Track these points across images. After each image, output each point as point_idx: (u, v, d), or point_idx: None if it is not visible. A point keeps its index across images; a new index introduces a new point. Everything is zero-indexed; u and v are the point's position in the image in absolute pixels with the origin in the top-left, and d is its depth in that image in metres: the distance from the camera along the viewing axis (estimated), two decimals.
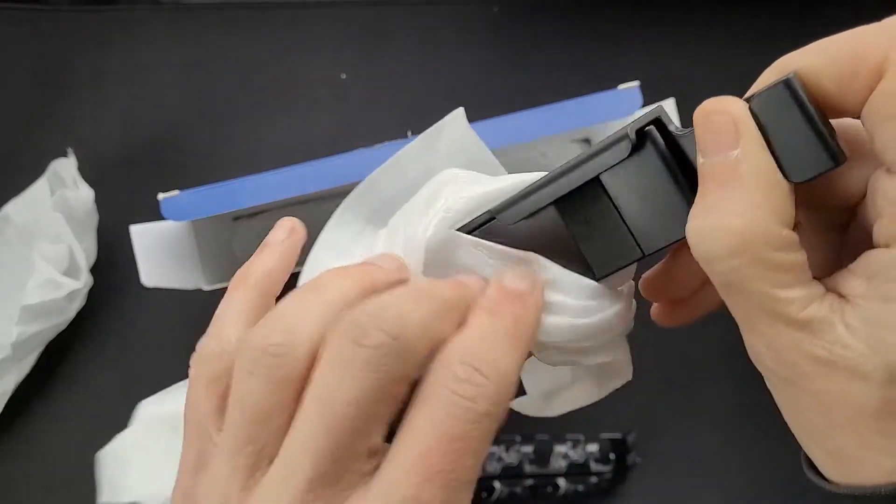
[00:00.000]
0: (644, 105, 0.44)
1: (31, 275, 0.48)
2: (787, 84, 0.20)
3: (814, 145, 0.20)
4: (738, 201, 0.19)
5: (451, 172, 0.26)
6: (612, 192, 0.23)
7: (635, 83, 0.43)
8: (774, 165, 0.20)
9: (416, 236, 0.24)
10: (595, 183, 0.23)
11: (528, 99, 0.45)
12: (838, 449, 0.21)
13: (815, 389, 0.20)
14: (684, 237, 0.21)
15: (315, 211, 0.52)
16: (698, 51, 0.58)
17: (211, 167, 0.55)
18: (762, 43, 0.58)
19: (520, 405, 0.30)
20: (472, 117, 0.43)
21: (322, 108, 0.56)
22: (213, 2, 0.58)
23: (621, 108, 0.43)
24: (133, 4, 0.58)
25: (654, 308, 0.28)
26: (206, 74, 0.57)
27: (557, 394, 0.29)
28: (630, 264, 0.24)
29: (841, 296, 0.20)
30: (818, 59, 0.20)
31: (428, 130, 0.28)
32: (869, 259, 0.20)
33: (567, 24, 0.58)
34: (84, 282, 0.49)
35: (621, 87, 0.43)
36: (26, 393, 0.50)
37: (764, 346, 0.21)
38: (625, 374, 0.28)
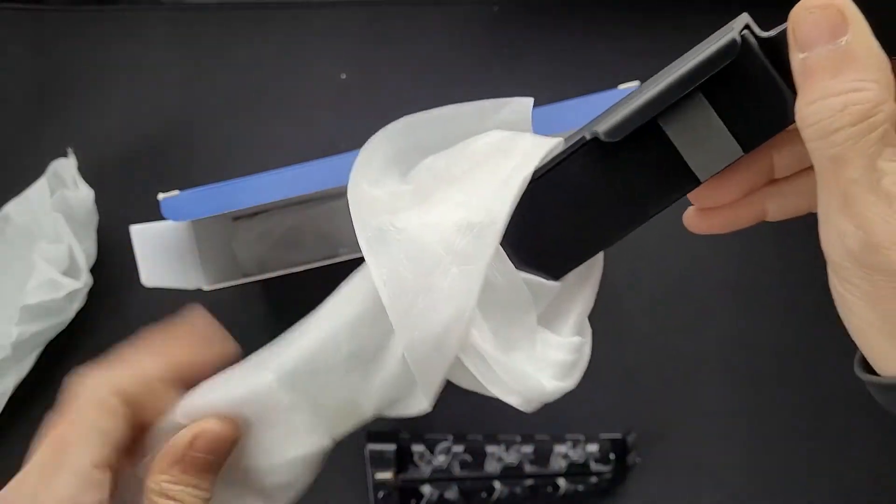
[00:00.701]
0: None
1: (31, 275, 0.48)
2: None
3: None
4: (857, 80, 0.21)
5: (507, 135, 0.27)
6: (712, 97, 0.24)
7: (635, 83, 0.43)
8: (880, 47, 0.21)
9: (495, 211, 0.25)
10: (697, 90, 0.24)
11: None
12: None
13: None
14: (782, 128, 0.24)
15: (315, 211, 0.52)
16: None
17: (211, 167, 0.55)
18: None
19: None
20: None
21: (322, 108, 0.56)
22: (214, 2, 0.58)
23: None
24: (133, 4, 0.58)
25: (689, 213, 0.29)
26: (206, 74, 0.57)
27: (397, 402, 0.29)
28: (733, 162, 0.25)
29: None
30: None
31: (490, 101, 0.29)
32: None
33: (567, 24, 0.58)
34: (84, 282, 0.49)
35: (621, 86, 0.43)
36: (26, 393, 0.50)
37: (854, 225, 0.21)
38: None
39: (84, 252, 0.49)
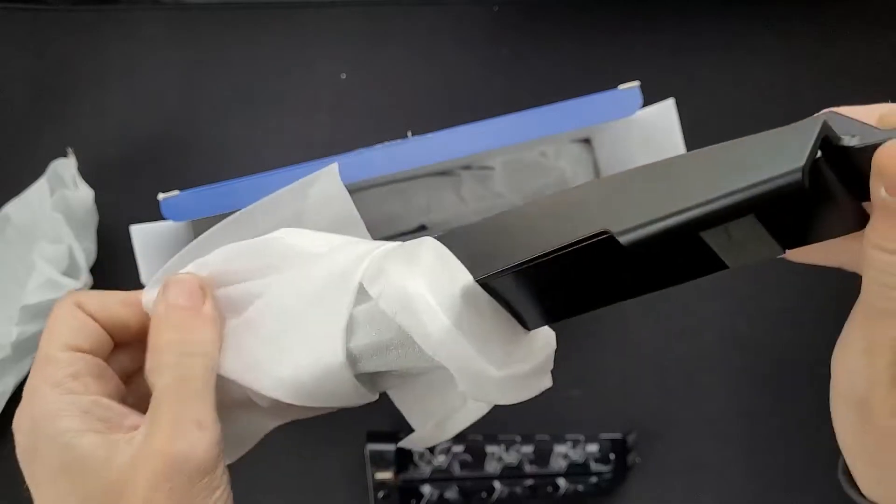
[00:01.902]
0: (644, 105, 0.43)
1: (31, 275, 0.48)
2: None
3: None
4: None
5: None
6: (761, 213, 0.21)
7: (635, 83, 0.43)
8: None
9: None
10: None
11: (528, 99, 0.45)
12: None
13: None
14: (835, 236, 0.22)
15: None
16: (698, 51, 0.58)
17: (211, 167, 0.55)
18: (762, 42, 0.58)
19: (411, 442, 0.31)
20: (472, 117, 0.43)
21: (322, 108, 0.56)
22: (214, 2, 0.58)
23: (621, 108, 0.43)
24: (133, 4, 0.58)
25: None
26: (206, 74, 0.57)
27: (450, 418, 0.30)
28: (770, 258, 0.23)
29: None
30: None
31: (303, 179, 0.30)
32: None
33: (567, 24, 0.58)
34: (84, 282, 0.49)
35: (621, 87, 0.43)
36: None
37: (866, 377, 0.22)
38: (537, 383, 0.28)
39: (84, 252, 0.49)
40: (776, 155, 0.20)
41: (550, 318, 0.27)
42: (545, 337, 0.28)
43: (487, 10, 0.58)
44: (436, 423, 0.30)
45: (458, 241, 0.27)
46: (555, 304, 0.26)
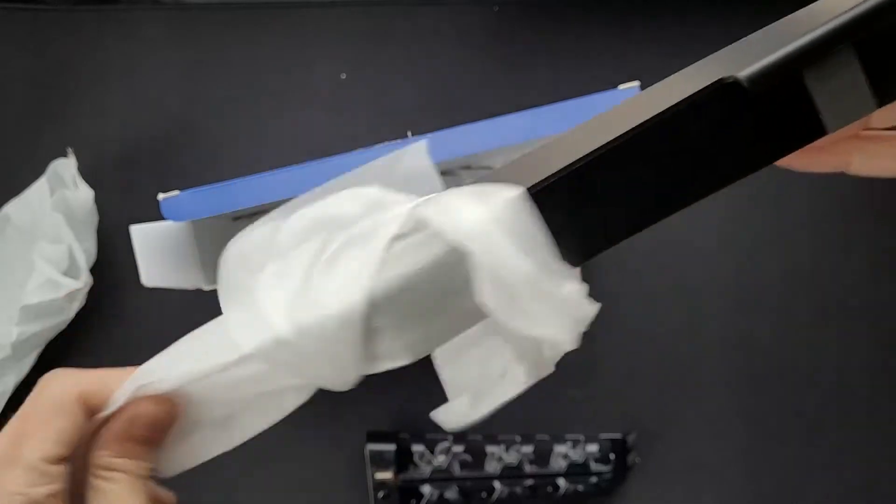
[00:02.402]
0: None
1: (31, 275, 0.48)
2: None
3: None
4: None
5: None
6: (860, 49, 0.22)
7: (635, 83, 0.43)
8: None
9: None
10: (849, 44, 0.22)
11: (528, 99, 0.45)
12: None
13: None
14: None
15: None
16: (698, 51, 0.58)
17: (211, 167, 0.55)
18: None
19: (444, 416, 0.27)
20: (471, 117, 0.43)
21: (322, 108, 0.56)
22: (214, 2, 0.58)
23: None
24: (133, 4, 0.58)
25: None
26: (206, 74, 0.57)
27: (487, 391, 0.27)
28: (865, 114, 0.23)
29: None
30: None
31: (389, 155, 0.28)
32: None
33: (566, 24, 0.58)
34: (84, 282, 0.49)
35: (621, 86, 0.43)
36: (26, 393, 0.50)
37: None
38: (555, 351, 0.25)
39: (84, 252, 0.49)
40: None
41: (608, 239, 0.24)
42: (586, 297, 0.25)
43: (487, 10, 0.58)
44: (472, 395, 0.27)
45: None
46: (620, 213, 0.24)
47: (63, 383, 0.26)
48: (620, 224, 0.24)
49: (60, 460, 0.25)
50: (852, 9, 0.21)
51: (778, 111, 0.23)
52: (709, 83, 0.22)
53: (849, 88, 0.22)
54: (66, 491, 0.25)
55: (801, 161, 0.26)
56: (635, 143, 0.23)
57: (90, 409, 0.26)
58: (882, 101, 0.23)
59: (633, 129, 0.22)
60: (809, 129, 0.23)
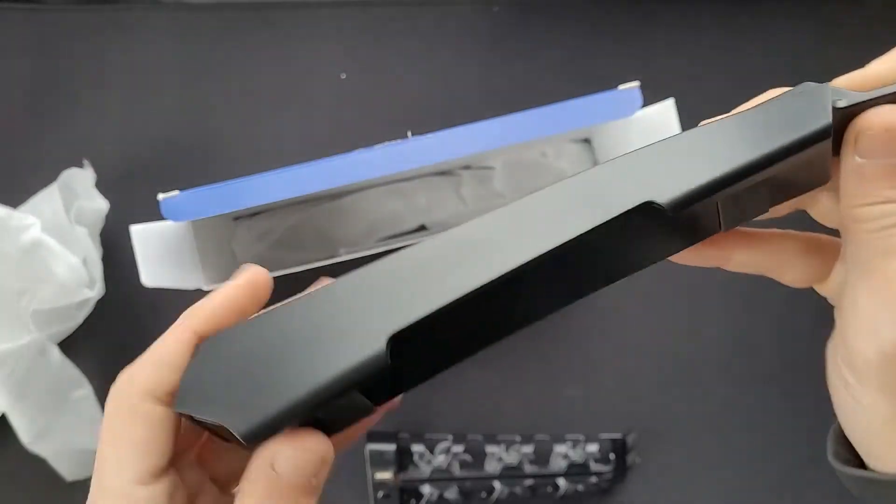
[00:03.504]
0: (644, 105, 0.44)
1: (46, 282, 0.48)
2: None
3: None
4: None
5: None
6: None
7: (635, 83, 0.43)
8: None
9: None
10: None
11: (528, 99, 0.45)
12: None
13: None
14: (812, 188, 0.25)
15: (315, 211, 0.52)
16: (698, 51, 0.58)
17: (211, 167, 0.55)
18: (761, 43, 0.58)
19: None
20: (472, 117, 0.43)
21: (322, 108, 0.56)
22: (214, 2, 0.58)
23: (621, 108, 0.43)
24: (133, 4, 0.58)
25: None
26: (206, 74, 0.57)
27: None
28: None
29: None
30: None
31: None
32: None
33: (567, 24, 0.58)
34: (98, 291, 0.49)
35: (621, 87, 0.43)
36: None
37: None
38: None
39: (100, 262, 0.50)
40: (797, 117, 0.23)
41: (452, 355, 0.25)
42: None
43: (487, 10, 0.58)
44: None
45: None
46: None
47: (126, 388, 0.22)
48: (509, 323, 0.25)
49: (154, 475, 0.21)
50: (774, 139, 0.23)
51: (685, 221, 0.24)
52: (632, 205, 0.23)
53: (751, 198, 0.24)
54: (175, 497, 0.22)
55: (684, 256, 0.27)
56: (557, 256, 0.23)
57: (168, 396, 0.22)
58: (774, 202, 0.25)
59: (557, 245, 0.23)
60: (705, 229, 0.25)
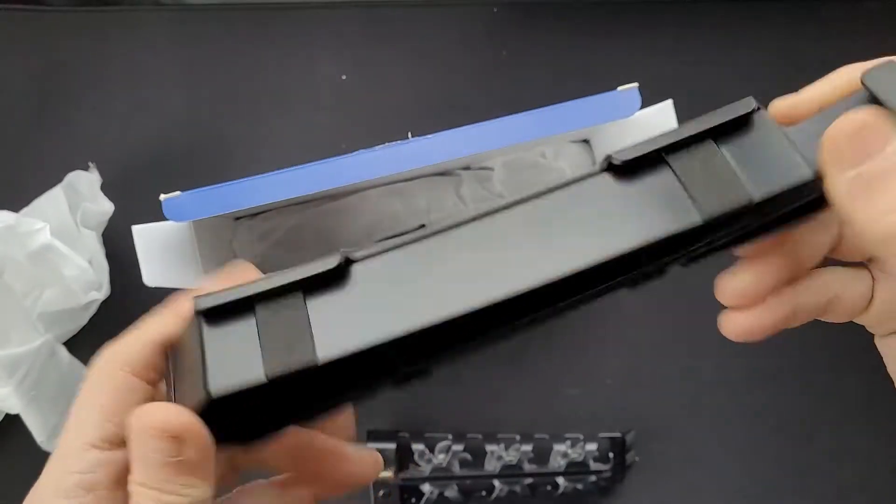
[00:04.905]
0: (643, 106, 0.44)
1: (52, 284, 0.48)
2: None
3: None
4: None
5: None
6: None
7: (634, 84, 0.43)
8: None
9: None
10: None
11: (527, 100, 0.46)
12: None
13: None
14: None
15: (315, 211, 0.52)
16: (698, 51, 0.58)
17: (212, 167, 0.55)
18: (761, 43, 0.59)
19: None
20: (472, 118, 0.43)
21: (322, 109, 0.57)
22: (215, 3, 0.58)
23: (621, 109, 0.43)
24: (134, 5, 0.58)
25: (722, 317, 0.27)
26: (207, 75, 0.57)
27: None
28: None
29: None
30: None
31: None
32: None
33: (566, 25, 0.58)
34: (104, 293, 0.50)
35: (620, 88, 0.43)
36: None
37: None
38: None
39: (108, 265, 0.50)
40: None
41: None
42: None
43: (487, 10, 0.58)
44: None
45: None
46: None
47: (105, 359, 0.23)
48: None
49: (115, 441, 0.21)
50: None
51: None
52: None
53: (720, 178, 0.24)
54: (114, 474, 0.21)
55: (751, 323, 0.26)
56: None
57: (145, 370, 0.23)
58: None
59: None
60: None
